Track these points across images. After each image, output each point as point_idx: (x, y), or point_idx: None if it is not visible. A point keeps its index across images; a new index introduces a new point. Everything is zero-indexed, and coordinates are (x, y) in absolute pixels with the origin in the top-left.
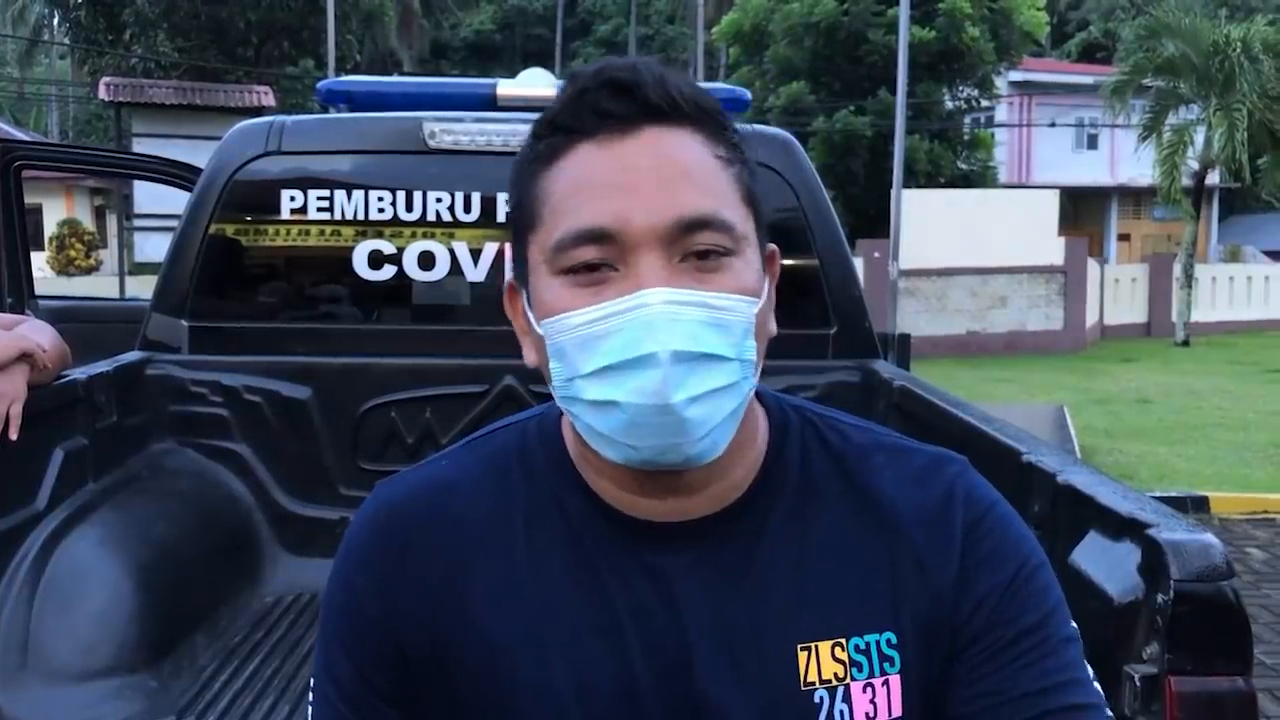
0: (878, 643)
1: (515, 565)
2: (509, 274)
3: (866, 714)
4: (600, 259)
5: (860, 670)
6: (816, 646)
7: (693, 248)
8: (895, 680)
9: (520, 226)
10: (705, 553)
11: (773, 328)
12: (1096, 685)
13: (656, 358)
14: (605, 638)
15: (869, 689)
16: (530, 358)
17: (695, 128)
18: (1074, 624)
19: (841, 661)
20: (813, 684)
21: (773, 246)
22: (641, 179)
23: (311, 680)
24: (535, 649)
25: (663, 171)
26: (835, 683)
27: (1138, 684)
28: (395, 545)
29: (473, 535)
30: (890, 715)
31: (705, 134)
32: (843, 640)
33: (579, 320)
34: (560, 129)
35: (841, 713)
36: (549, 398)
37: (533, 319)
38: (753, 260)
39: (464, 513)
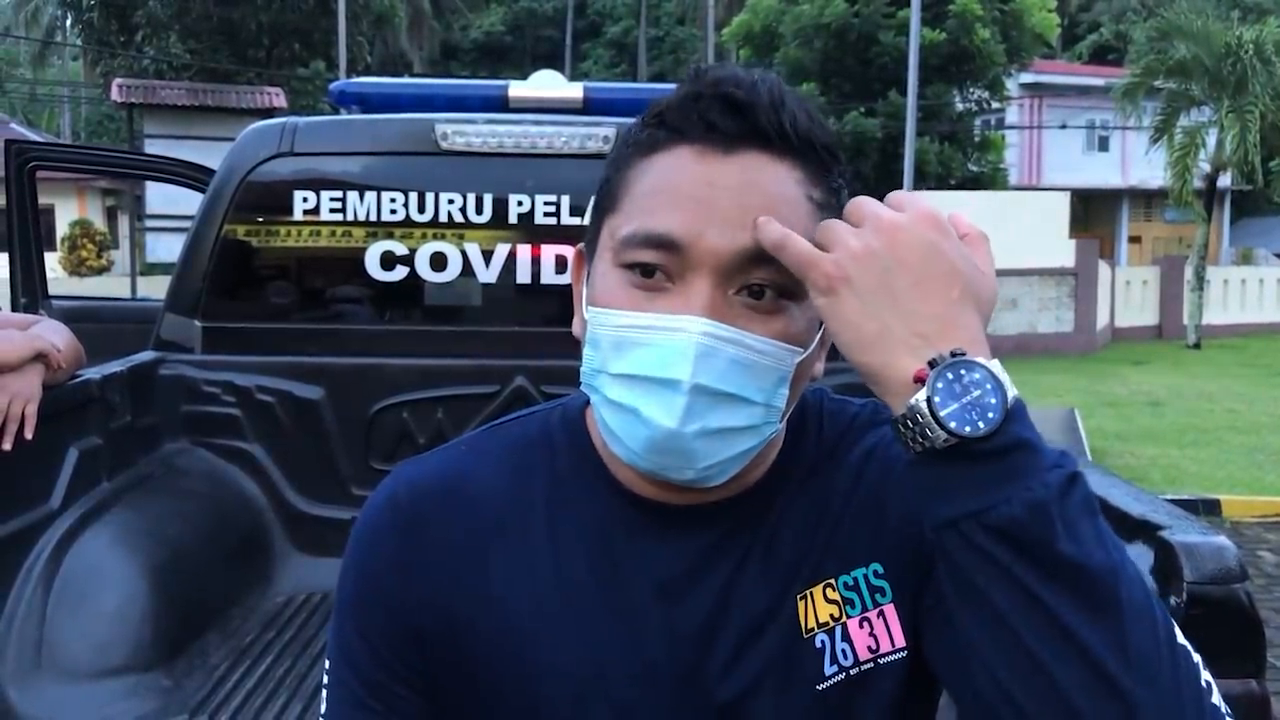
0: (865, 576)
1: (534, 548)
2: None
3: (869, 647)
4: (660, 264)
5: (853, 607)
6: (810, 593)
7: (750, 280)
8: (890, 610)
9: (601, 204)
10: (722, 535)
11: (819, 370)
12: None
13: (679, 385)
14: (623, 620)
15: (865, 623)
16: (576, 328)
17: (798, 162)
18: None
19: (835, 602)
20: (812, 630)
21: None
22: (724, 200)
23: (326, 664)
24: (553, 631)
25: (747, 199)
26: (831, 623)
27: None
28: (413, 524)
29: (491, 518)
30: (894, 645)
31: (807, 171)
32: (832, 580)
33: (620, 321)
34: (665, 125)
35: (844, 652)
36: (560, 399)
37: (585, 297)
38: (811, 309)
39: (483, 496)
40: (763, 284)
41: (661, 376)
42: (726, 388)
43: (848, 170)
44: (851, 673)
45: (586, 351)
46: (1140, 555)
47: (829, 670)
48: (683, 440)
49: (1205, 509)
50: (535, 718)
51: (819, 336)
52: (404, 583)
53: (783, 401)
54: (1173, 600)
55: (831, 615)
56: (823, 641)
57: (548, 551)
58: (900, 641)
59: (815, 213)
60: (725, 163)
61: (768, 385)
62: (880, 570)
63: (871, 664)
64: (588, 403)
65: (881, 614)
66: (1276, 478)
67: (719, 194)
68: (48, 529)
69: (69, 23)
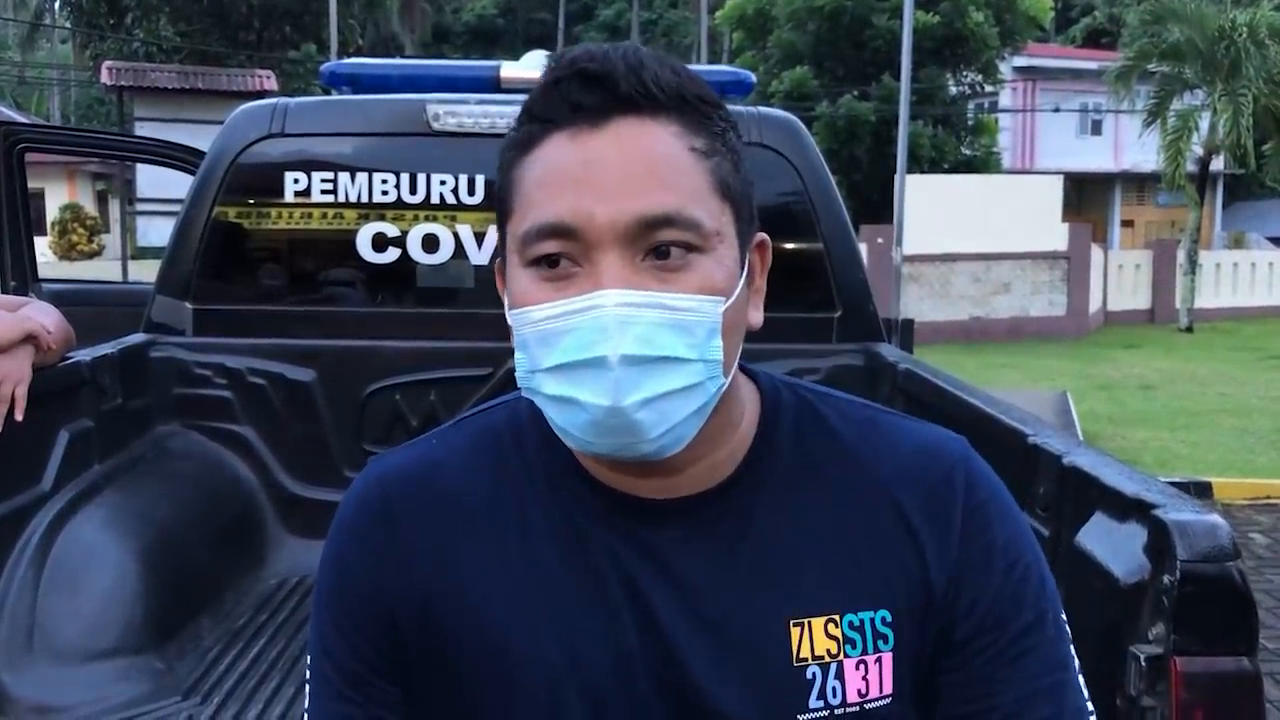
0: (872, 620)
1: (506, 540)
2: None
3: (859, 691)
4: (562, 252)
5: (854, 647)
6: (809, 622)
7: (654, 244)
8: (888, 658)
9: (499, 212)
10: (696, 528)
11: (756, 320)
12: (1081, 679)
13: (606, 361)
14: (598, 611)
15: (862, 666)
16: (514, 342)
17: (671, 118)
18: (1064, 616)
19: (835, 638)
20: (805, 660)
21: (762, 235)
22: (606, 174)
23: (307, 659)
24: (528, 623)
25: (628, 167)
26: (828, 659)
27: (1143, 664)
28: (386, 519)
29: (463, 511)
30: (882, 692)
31: (682, 125)
32: (836, 617)
33: (539, 315)
34: (535, 118)
35: (834, 689)
36: None
37: (507, 306)
38: (725, 257)
39: (454, 489)
40: (667, 243)
41: (588, 357)
42: (655, 352)
43: (729, 114)
44: (836, 712)
45: (518, 356)
46: (1133, 534)
47: (814, 704)
48: (625, 415)
49: (1197, 491)
50: (511, 708)
51: (742, 284)
52: (377, 575)
53: (719, 353)
54: (1165, 579)
55: (829, 651)
56: (814, 674)
57: (519, 542)
58: (889, 689)
59: (700, 161)
60: (598, 137)
61: (698, 340)
62: (888, 618)
63: (858, 708)
64: None
65: (879, 660)
66: (1267, 460)
67: (598, 169)
68: (38, 512)
69: (57, 5)
